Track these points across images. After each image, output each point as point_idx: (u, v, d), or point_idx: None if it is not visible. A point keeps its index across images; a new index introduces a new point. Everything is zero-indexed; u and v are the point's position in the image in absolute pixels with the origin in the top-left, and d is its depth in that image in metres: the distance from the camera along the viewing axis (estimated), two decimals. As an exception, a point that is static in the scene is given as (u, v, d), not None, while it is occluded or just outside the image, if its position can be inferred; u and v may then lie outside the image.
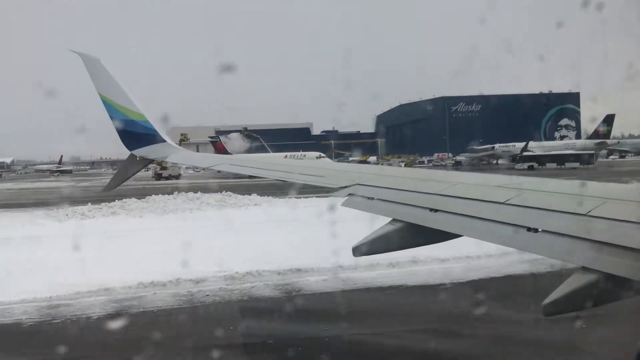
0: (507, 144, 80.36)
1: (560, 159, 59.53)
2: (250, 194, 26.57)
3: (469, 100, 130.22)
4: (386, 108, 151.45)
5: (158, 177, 59.02)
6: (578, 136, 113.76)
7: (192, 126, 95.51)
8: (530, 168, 57.45)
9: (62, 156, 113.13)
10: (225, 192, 27.17)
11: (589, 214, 2.96)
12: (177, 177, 61.82)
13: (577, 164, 56.41)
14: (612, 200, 3.11)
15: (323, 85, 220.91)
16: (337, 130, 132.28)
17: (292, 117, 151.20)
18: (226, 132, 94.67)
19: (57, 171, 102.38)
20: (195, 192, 26.51)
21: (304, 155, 52.24)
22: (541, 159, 61.14)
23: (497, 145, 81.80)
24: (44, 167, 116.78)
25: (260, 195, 26.55)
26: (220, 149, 73.75)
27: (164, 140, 8.65)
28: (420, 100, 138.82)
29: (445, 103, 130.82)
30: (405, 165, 66.13)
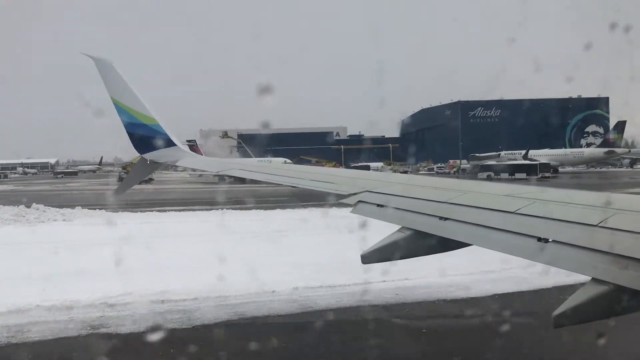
0: (513, 152, 77.33)
1: (511, 170, 63.05)
2: (95, 209, 23.32)
3: (488, 104, 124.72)
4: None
5: (120, 180, 54.87)
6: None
7: (223, 129, 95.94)
8: (489, 177, 60.26)
9: (102, 157, 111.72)
10: (36, 204, 24.17)
11: (601, 224, 2.91)
12: (148, 181, 56.03)
13: (523, 175, 59.68)
14: (624, 211, 3.05)
15: (359, 88, 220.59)
16: (362, 135, 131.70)
17: (331, 120, 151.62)
18: (248, 136, 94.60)
19: (60, 173, 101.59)
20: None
21: (270, 161, 51.90)
22: (496, 169, 64.65)
23: (502, 153, 78.99)
24: (86, 167, 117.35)
25: (92, 209, 23.55)
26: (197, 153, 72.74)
27: (175, 144, 8.65)
28: (439, 105, 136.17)
29: (461, 107, 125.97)
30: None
